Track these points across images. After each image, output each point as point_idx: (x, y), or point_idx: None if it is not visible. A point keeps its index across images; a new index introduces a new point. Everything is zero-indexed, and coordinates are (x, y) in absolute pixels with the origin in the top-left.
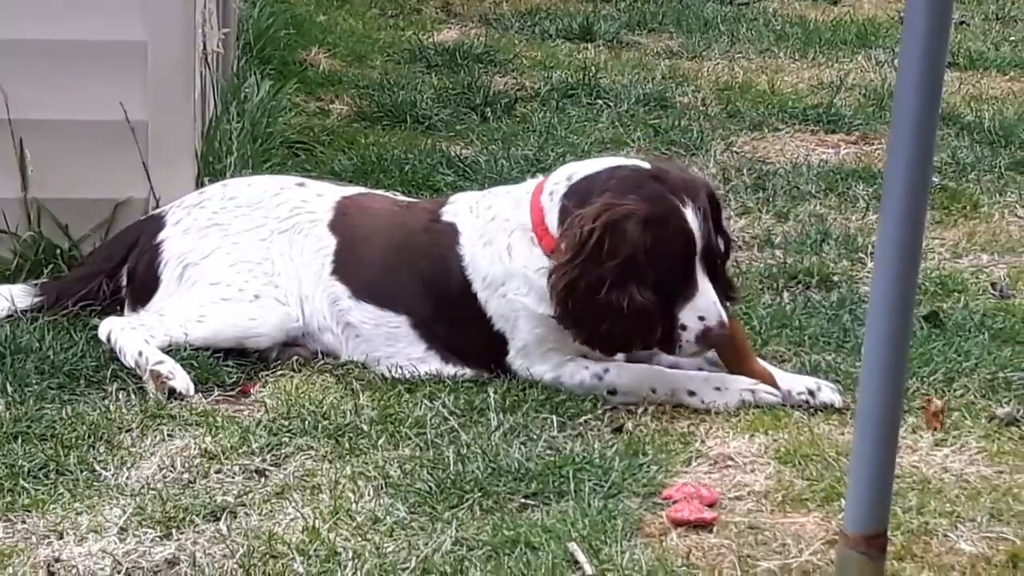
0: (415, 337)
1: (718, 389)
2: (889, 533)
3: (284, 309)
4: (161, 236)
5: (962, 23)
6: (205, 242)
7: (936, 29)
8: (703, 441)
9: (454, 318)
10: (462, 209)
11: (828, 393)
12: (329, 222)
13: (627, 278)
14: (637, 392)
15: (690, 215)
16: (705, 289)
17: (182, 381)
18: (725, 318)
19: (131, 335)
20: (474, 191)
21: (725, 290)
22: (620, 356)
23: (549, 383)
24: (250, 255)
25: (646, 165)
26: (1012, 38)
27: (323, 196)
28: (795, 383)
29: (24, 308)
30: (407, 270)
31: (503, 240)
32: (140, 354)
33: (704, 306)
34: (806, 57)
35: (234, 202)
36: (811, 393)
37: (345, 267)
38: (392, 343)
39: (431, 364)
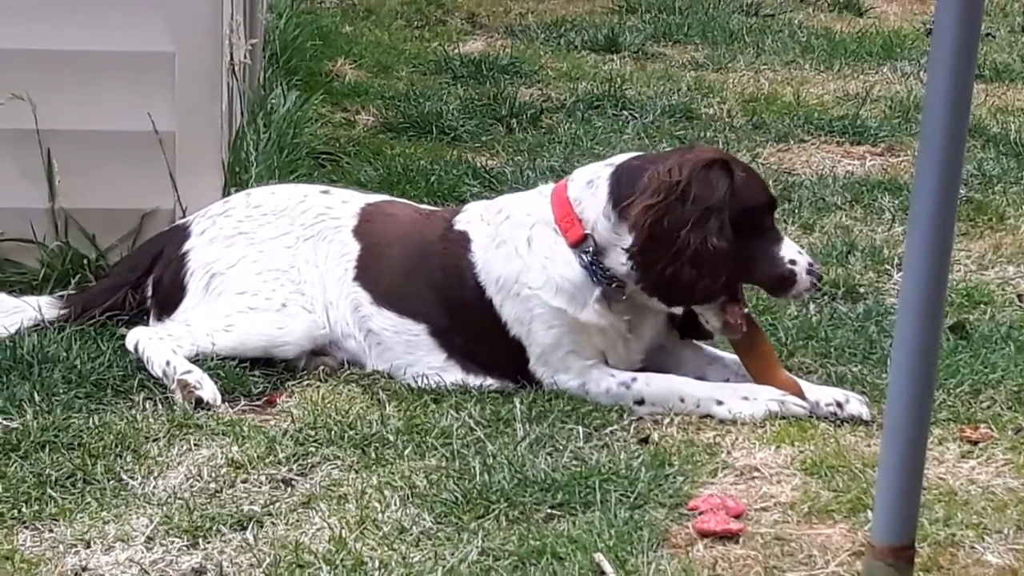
0: (434, 346)
1: (745, 399)
2: (916, 545)
3: (311, 317)
4: (187, 246)
5: (988, 35)
6: (231, 251)
7: (965, 40)
8: (729, 452)
9: (470, 327)
10: (473, 217)
11: (856, 405)
12: (353, 228)
13: (707, 223)
14: (665, 401)
15: (745, 174)
16: (786, 239)
17: (209, 391)
18: None
19: (158, 345)
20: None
21: None
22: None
23: (575, 392)
24: (276, 263)
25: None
26: None
27: (348, 203)
28: (823, 395)
29: (50, 320)
30: (423, 278)
31: (521, 234)
32: (168, 364)
33: (795, 248)
34: (832, 69)
35: (259, 210)
36: (839, 405)
37: (367, 273)
38: (412, 351)
39: (453, 374)
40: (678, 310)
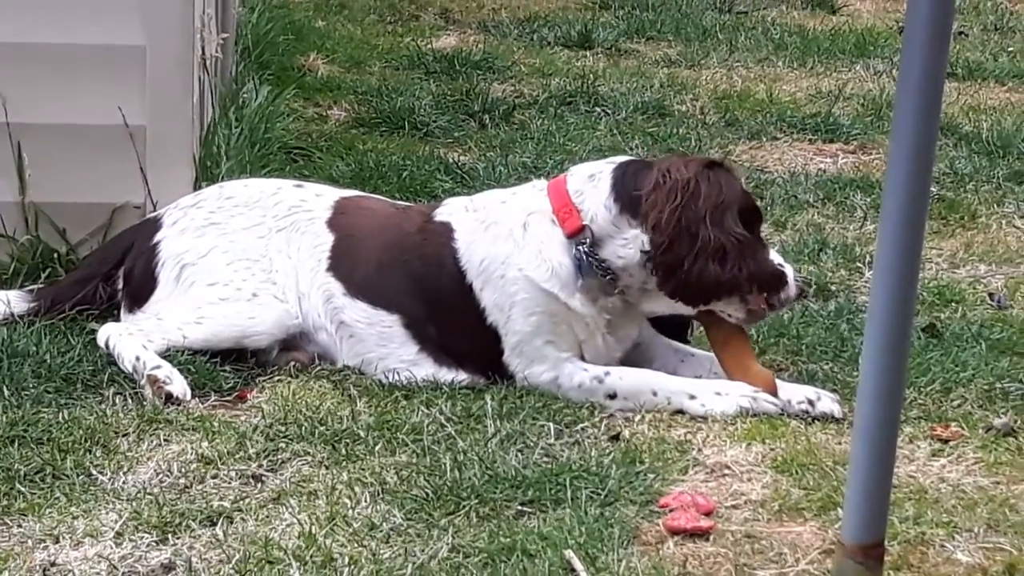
0: (407, 337)
1: (718, 395)
2: (886, 543)
3: (283, 306)
4: (158, 237)
5: (961, 34)
6: (202, 241)
7: (936, 39)
8: (700, 450)
9: (446, 315)
10: (456, 209)
11: (828, 403)
12: (327, 220)
13: (724, 217)
14: (637, 395)
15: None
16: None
17: (179, 386)
18: None
19: (129, 340)
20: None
21: None
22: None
23: (546, 386)
24: (248, 253)
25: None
26: (1011, 49)
27: (321, 196)
28: (795, 393)
29: (19, 314)
30: (399, 269)
31: (517, 218)
32: (137, 359)
33: (779, 258)
34: (804, 66)
35: (231, 202)
36: (811, 403)
37: (340, 264)
38: (385, 343)
39: (424, 368)
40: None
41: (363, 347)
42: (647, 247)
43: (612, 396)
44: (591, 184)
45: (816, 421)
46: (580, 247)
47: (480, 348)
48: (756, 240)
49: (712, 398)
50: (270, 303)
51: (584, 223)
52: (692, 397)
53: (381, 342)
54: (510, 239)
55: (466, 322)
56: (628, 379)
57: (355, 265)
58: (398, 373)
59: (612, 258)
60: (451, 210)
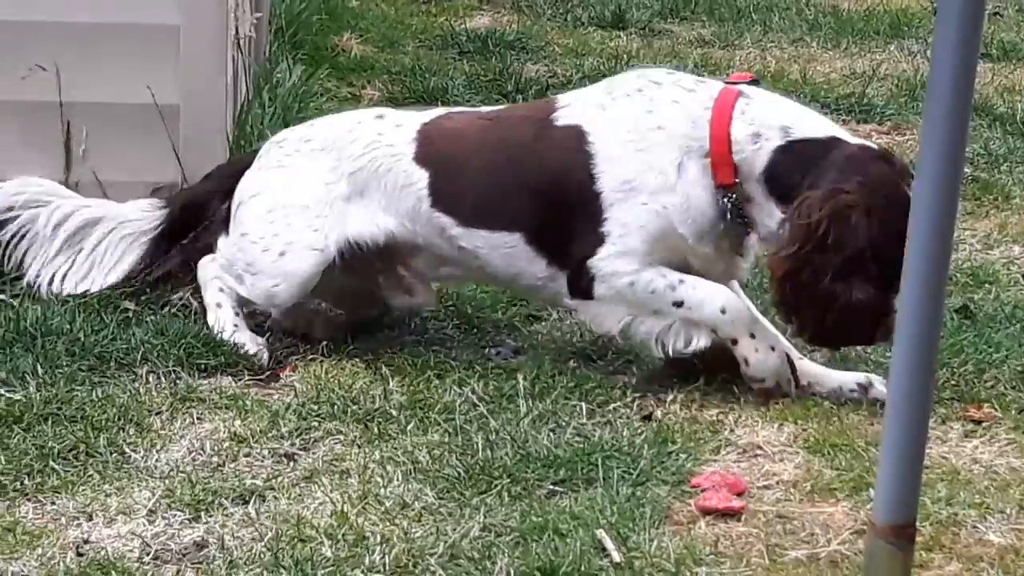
0: (533, 254)
1: (773, 349)
2: (918, 524)
3: (313, 257)
4: (252, 168)
5: (995, 14)
6: (261, 185)
7: (970, 18)
8: (732, 430)
9: (566, 223)
10: (586, 109)
11: (880, 387)
12: (414, 155)
13: (851, 271)
14: (703, 308)
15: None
16: None
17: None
18: None
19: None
20: (584, 90)
21: None
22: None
23: (617, 289)
24: (302, 200)
25: (867, 142)
26: None
27: (402, 127)
28: (846, 379)
29: (156, 221)
30: (516, 184)
31: (672, 156)
32: (219, 306)
33: None
34: (838, 47)
35: (308, 145)
36: (863, 388)
37: (444, 198)
38: (512, 264)
39: (561, 281)
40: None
41: (492, 269)
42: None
43: (679, 304)
44: (753, 147)
45: (848, 403)
46: (728, 199)
47: (572, 245)
48: (888, 280)
49: (765, 351)
50: (302, 256)
51: (736, 181)
52: (752, 336)
53: (508, 263)
54: (662, 175)
55: (579, 228)
56: (701, 290)
57: (462, 195)
58: (539, 291)
59: (756, 220)
60: (577, 112)
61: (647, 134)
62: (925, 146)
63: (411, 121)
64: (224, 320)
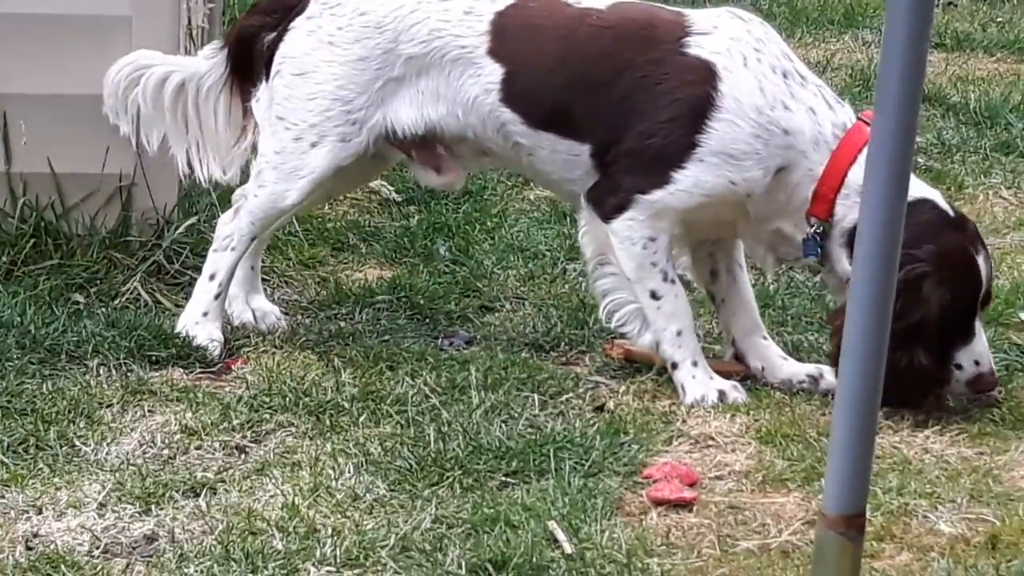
0: (592, 166)
1: (711, 379)
2: (869, 514)
3: (349, 149)
4: (295, 23)
5: (950, 4)
6: (308, 59)
7: (920, 6)
8: (684, 421)
9: (637, 151)
10: (728, 54)
11: (831, 378)
12: (489, 49)
13: (914, 339)
14: (668, 319)
15: (982, 265)
16: (980, 334)
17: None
18: (994, 367)
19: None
20: (726, 22)
21: None
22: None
23: (634, 237)
24: (346, 92)
25: (944, 205)
26: (999, 19)
27: (471, 13)
28: (798, 370)
29: (214, 63)
30: (609, 100)
31: (779, 163)
32: (212, 278)
33: (980, 351)
34: (793, 37)
35: (362, 19)
36: (814, 379)
37: (518, 96)
38: (570, 170)
39: None
40: None
41: (541, 168)
42: None
43: (653, 295)
44: (859, 197)
45: (800, 394)
46: (813, 230)
47: (640, 179)
48: (948, 343)
49: (694, 383)
50: (333, 151)
51: (829, 218)
52: (694, 365)
53: (564, 168)
54: (761, 171)
55: (652, 164)
56: (678, 303)
57: (539, 96)
58: (574, 196)
59: (831, 257)
60: (718, 49)
61: (772, 128)
62: (875, 135)
63: (484, 6)
64: (203, 300)
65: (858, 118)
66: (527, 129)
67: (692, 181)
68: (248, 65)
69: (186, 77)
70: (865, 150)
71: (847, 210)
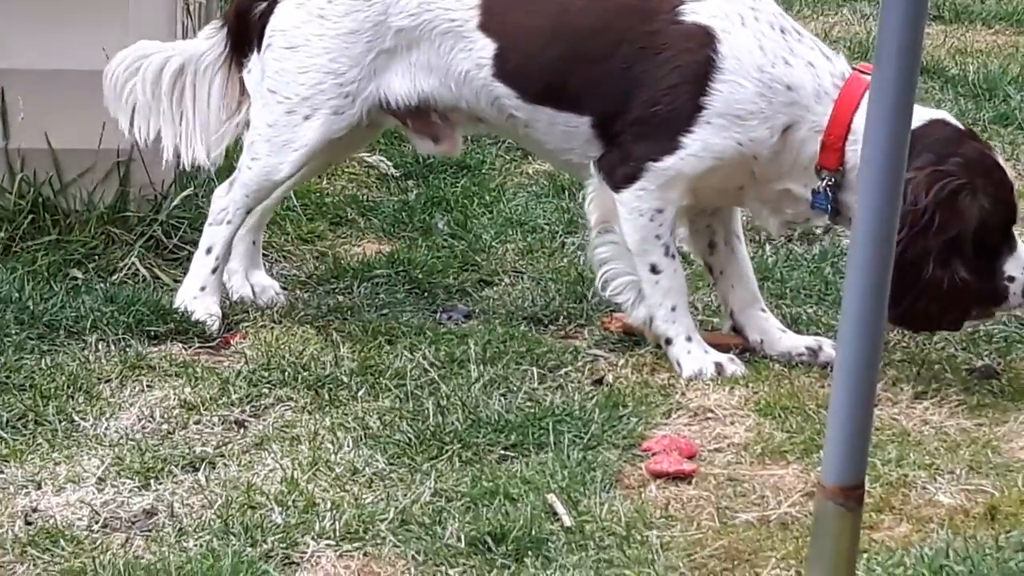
0: (593, 137)
1: (706, 353)
2: (868, 485)
3: (341, 121)
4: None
5: None
6: (298, 32)
7: None
8: (683, 393)
9: (642, 120)
10: (726, 15)
11: (830, 351)
12: (480, 23)
13: (952, 254)
14: (664, 294)
15: (1010, 173)
16: (1020, 248)
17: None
18: None
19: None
20: None
21: None
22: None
23: (642, 208)
24: (338, 64)
25: (955, 121)
26: None
27: None
28: (796, 343)
29: (214, 42)
30: (606, 72)
31: (786, 120)
32: (208, 251)
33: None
34: (791, 10)
35: None
36: (813, 352)
37: (511, 72)
38: (568, 141)
39: None
40: None
41: (538, 139)
42: None
43: (652, 268)
44: None
45: (798, 366)
46: (824, 183)
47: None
48: (995, 247)
49: (689, 358)
50: (325, 123)
51: (839, 167)
52: (688, 340)
53: (562, 140)
54: (769, 130)
55: (659, 132)
56: (676, 279)
57: (533, 71)
58: (577, 167)
59: (846, 205)
60: (714, 13)
61: (775, 86)
62: (873, 107)
63: None
64: (200, 275)
65: (854, 68)
66: (522, 103)
67: (701, 144)
68: (248, 41)
69: (185, 60)
70: (867, 96)
71: (858, 155)
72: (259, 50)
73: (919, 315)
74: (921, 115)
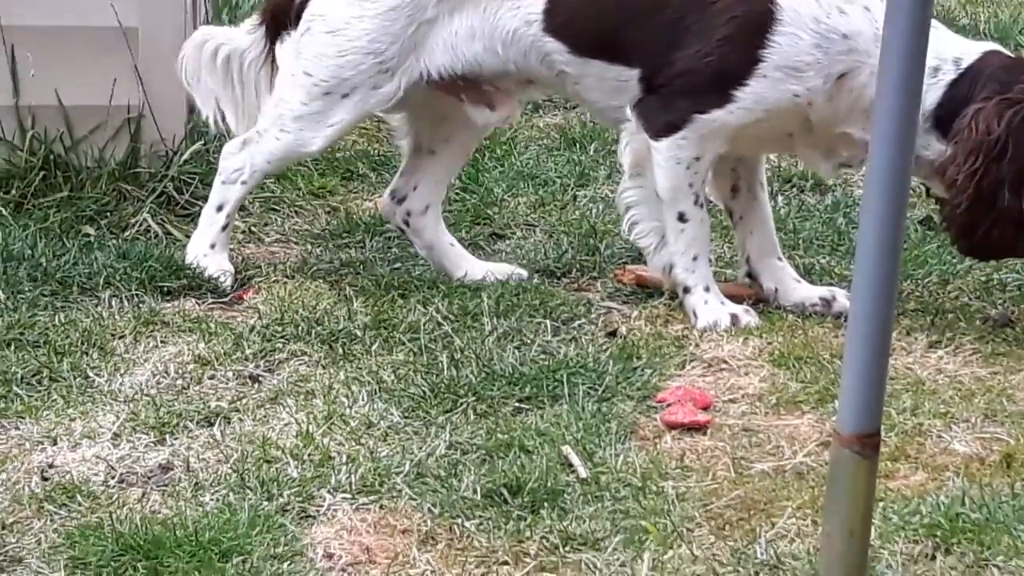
0: (640, 90)
1: (723, 304)
2: (883, 435)
3: (380, 97)
4: None
5: None
6: (339, 21)
7: None
8: (697, 344)
9: (693, 72)
10: None
11: (844, 301)
12: None
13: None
14: (690, 242)
15: None
16: None
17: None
18: None
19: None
20: None
21: None
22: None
23: (680, 157)
24: (377, 44)
25: (1004, 49)
26: None
27: None
28: (810, 293)
29: (254, 39)
30: (661, 24)
31: (843, 68)
32: (219, 208)
33: None
34: None
35: None
36: (826, 303)
37: (562, 25)
38: (616, 95)
39: None
40: None
41: (587, 95)
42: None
43: (680, 216)
44: (932, 80)
45: (813, 316)
46: None
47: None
48: None
49: (706, 308)
50: (364, 100)
51: None
52: (706, 290)
53: (611, 94)
54: (826, 82)
55: (710, 85)
56: (702, 229)
57: (585, 24)
58: (619, 120)
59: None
60: None
61: (831, 36)
62: (885, 58)
63: None
64: (210, 232)
65: None
66: (573, 58)
67: (754, 98)
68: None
69: (231, 50)
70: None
71: (923, 93)
72: (295, 26)
73: (995, 244)
74: (975, 48)
